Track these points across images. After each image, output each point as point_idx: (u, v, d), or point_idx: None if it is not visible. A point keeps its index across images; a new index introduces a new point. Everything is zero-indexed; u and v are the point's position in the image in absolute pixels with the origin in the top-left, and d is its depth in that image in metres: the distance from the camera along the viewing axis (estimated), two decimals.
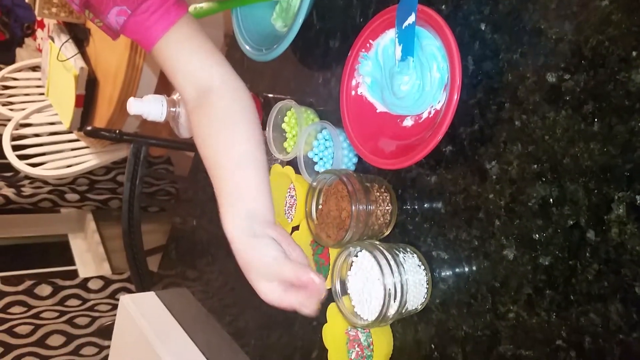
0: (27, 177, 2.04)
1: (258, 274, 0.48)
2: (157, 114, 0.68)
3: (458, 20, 0.53)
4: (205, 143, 0.55)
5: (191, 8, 0.74)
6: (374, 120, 0.57)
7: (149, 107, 0.68)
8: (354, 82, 0.58)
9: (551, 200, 0.43)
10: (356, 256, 0.52)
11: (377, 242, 0.51)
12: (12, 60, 2.45)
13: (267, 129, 0.69)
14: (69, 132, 1.85)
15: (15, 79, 2.10)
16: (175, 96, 0.73)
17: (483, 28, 0.51)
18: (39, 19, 1.98)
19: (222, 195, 0.52)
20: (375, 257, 0.49)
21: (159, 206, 2.22)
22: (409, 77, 0.53)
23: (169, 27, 0.57)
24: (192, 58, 0.57)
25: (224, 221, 0.51)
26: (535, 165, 0.45)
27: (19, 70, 2.14)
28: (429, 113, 0.53)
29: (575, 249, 0.41)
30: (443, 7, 0.55)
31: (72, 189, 2.10)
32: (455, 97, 0.48)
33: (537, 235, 0.44)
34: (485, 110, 0.50)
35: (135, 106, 0.67)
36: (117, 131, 1.23)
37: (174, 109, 0.71)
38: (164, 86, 1.65)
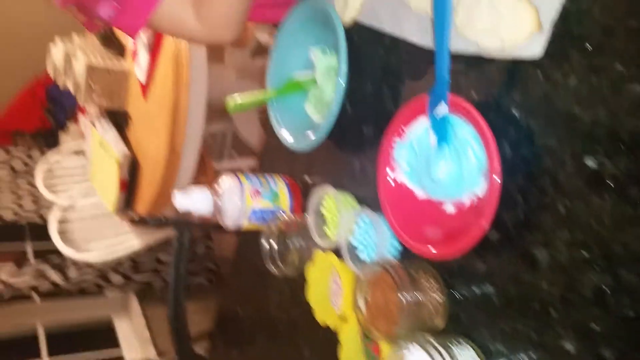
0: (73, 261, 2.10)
1: None
2: (203, 208, 0.70)
3: (489, 105, 0.54)
4: None
5: (229, 103, 0.78)
6: (414, 207, 0.57)
7: (195, 202, 0.70)
8: (390, 170, 0.59)
9: (606, 288, 0.42)
10: (408, 350, 0.51)
11: (429, 335, 0.51)
12: (56, 145, 2.58)
13: (307, 215, 0.70)
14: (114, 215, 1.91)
15: (59, 164, 2.21)
16: (217, 185, 0.75)
17: (516, 113, 0.51)
18: (82, 106, 2.09)
19: None
20: (428, 352, 0.48)
21: (200, 282, 2.24)
22: (445, 163, 0.54)
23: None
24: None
25: None
26: (585, 253, 0.44)
27: (64, 154, 2.24)
28: (471, 200, 0.53)
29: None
30: (472, 92, 0.56)
31: (116, 271, 2.15)
32: (497, 186, 0.48)
33: (596, 326, 0.43)
34: (527, 195, 0.50)
35: (182, 202, 0.69)
36: (163, 217, 1.27)
37: (217, 200, 0.73)
38: (203, 171, 1.71)
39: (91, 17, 0.74)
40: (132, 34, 0.76)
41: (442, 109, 0.53)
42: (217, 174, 2.31)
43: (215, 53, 2.09)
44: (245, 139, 2.32)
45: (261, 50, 2.20)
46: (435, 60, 0.53)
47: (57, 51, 1.78)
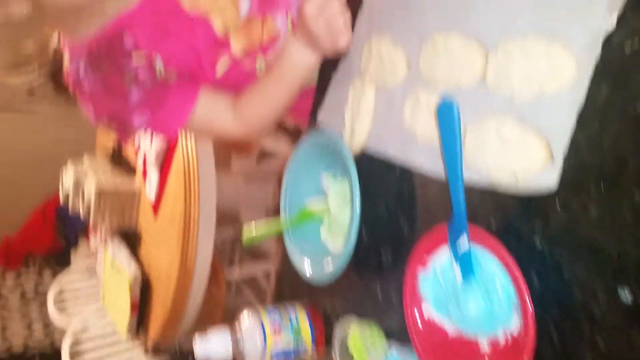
0: None
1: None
2: (223, 353, 0.68)
3: (510, 235, 0.53)
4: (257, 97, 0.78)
5: (245, 235, 0.78)
6: (447, 345, 0.55)
7: (214, 346, 0.68)
8: (417, 306, 0.58)
9: None
10: None
11: None
12: (67, 264, 2.56)
13: (333, 351, 0.68)
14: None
15: (71, 284, 2.18)
16: (237, 324, 0.73)
17: (539, 243, 0.51)
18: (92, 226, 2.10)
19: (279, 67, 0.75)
20: None
21: None
22: (473, 298, 0.53)
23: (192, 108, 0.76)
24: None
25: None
26: None
27: (75, 275, 2.23)
28: (506, 337, 0.51)
29: None
30: (491, 220, 0.56)
31: None
32: (531, 324, 0.46)
33: None
34: (563, 330, 0.48)
35: (201, 349, 0.67)
36: (177, 349, 1.24)
37: (237, 341, 0.70)
38: (215, 281, 1.68)
39: (125, 128, 0.78)
40: (170, 137, 0.79)
41: (464, 242, 0.53)
42: (229, 284, 2.28)
43: (222, 161, 2.13)
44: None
45: (265, 155, 2.26)
46: (450, 194, 0.54)
47: (67, 177, 1.83)
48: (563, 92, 0.48)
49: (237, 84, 0.82)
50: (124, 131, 0.78)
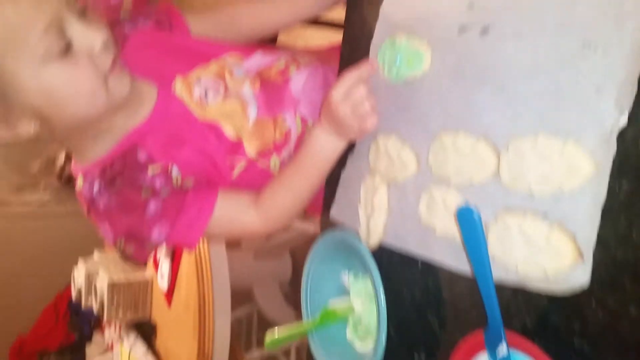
0: None
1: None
2: None
3: (548, 336, 0.51)
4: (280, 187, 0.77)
5: (267, 338, 0.76)
6: None
7: None
8: None
9: None
10: None
11: None
12: (82, 359, 2.50)
13: None
14: None
15: None
16: None
17: (579, 345, 0.49)
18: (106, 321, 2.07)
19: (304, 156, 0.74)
20: None
21: None
22: None
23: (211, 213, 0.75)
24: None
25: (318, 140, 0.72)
26: None
27: None
28: None
29: None
30: (526, 320, 0.54)
31: None
32: None
33: None
34: None
35: None
36: None
37: None
38: None
39: (143, 245, 0.75)
40: (190, 247, 0.77)
41: (503, 349, 0.51)
42: None
43: (232, 241, 2.12)
44: (272, 318, 2.27)
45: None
46: (483, 300, 0.52)
47: (79, 275, 1.82)
48: (583, 189, 0.47)
49: (252, 183, 0.81)
50: (143, 248, 0.76)
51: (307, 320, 0.77)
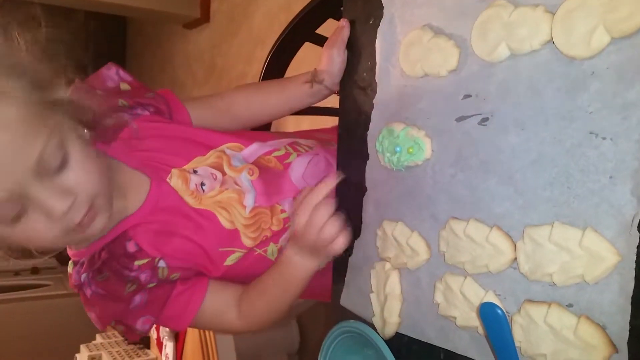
0: None
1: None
2: None
3: None
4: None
5: None
6: None
7: None
8: None
9: None
10: None
11: None
12: None
13: None
14: None
15: None
16: None
17: None
18: None
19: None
20: None
21: None
22: None
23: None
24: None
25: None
26: None
27: None
28: None
29: None
30: None
31: None
32: None
33: None
34: None
35: None
36: None
37: None
38: None
39: (131, 330, 0.75)
40: (177, 330, 0.77)
41: None
42: None
43: None
44: None
45: None
46: None
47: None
48: (608, 280, 0.45)
49: (248, 270, 0.80)
50: (131, 332, 0.76)
51: None
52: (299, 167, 0.83)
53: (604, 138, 0.46)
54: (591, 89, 0.47)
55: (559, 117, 0.49)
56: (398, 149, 0.63)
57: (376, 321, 0.68)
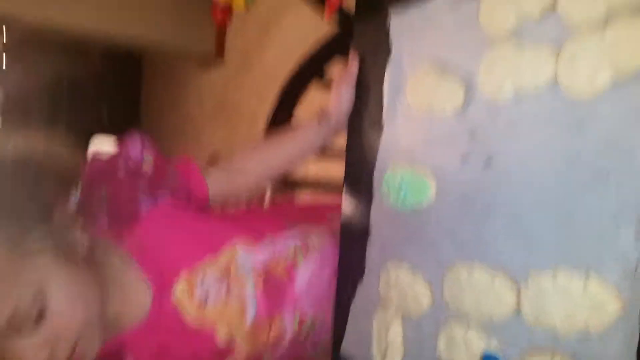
0: None
1: None
2: None
3: None
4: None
5: None
6: None
7: None
8: None
9: None
10: None
11: None
12: None
13: None
14: None
15: None
16: None
17: None
18: None
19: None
20: None
21: None
22: None
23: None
24: None
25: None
26: None
27: None
28: None
29: None
30: None
31: None
32: None
33: None
34: None
35: None
36: None
37: None
38: None
39: None
40: None
41: None
42: None
43: None
44: None
45: None
46: None
47: None
48: (611, 329, 0.45)
49: None
50: None
51: None
52: (304, 276, 0.80)
53: (608, 179, 0.46)
54: (595, 129, 0.47)
55: (563, 159, 0.49)
56: (403, 190, 0.63)
57: None
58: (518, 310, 0.51)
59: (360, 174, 0.73)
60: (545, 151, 0.50)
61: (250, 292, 0.76)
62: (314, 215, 0.94)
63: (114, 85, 5.22)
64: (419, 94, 0.65)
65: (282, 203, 1.02)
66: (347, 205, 0.76)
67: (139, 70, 5.49)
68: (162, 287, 0.72)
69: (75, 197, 0.72)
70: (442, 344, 0.58)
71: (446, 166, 0.60)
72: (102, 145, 0.78)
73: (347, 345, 0.73)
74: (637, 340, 0.43)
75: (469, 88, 0.59)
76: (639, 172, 0.43)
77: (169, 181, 0.78)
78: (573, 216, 0.47)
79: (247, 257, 0.77)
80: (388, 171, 0.66)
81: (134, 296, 0.72)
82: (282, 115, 1.21)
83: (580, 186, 0.47)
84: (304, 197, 1.36)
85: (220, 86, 3.88)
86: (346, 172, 0.77)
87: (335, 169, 0.91)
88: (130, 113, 5.23)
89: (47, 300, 0.59)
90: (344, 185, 0.77)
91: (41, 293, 0.58)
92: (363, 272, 0.71)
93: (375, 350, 0.66)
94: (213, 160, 1.07)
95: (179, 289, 0.72)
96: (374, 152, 0.71)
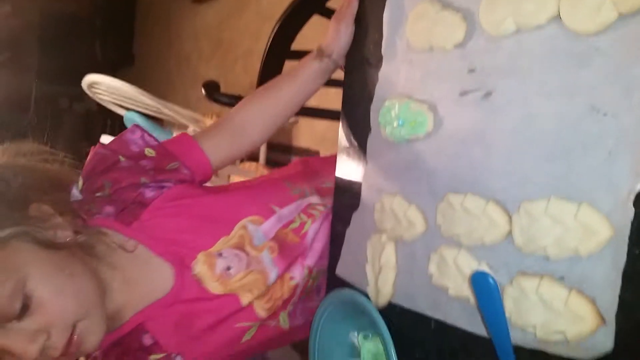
0: None
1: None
2: None
3: None
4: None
5: None
6: None
7: None
8: None
9: None
10: None
11: None
12: None
13: None
14: None
15: None
16: None
17: None
18: None
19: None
20: None
21: None
22: None
23: None
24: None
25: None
26: None
27: None
28: None
29: None
30: None
31: None
32: None
33: None
34: None
35: None
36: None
37: None
38: None
39: None
40: None
41: None
42: None
43: None
44: None
45: None
46: None
47: None
48: (601, 253, 0.46)
49: (262, 342, 0.79)
50: None
51: None
52: (311, 233, 0.82)
53: (605, 114, 0.46)
54: (595, 64, 0.47)
55: (562, 92, 0.49)
56: (400, 122, 0.63)
57: (370, 291, 0.69)
58: (510, 235, 0.52)
59: (357, 107, 0.73)
60: (545, 85, 0.50)
61: (267, 259, 0.77)
62: (313, 173, 0.95)
63: (107, 23, 5.10)
64: (419, 30, 0.64)
65: (281, 167, 1.00)
66: (344, 137, 0.76)
67: (132, 7, 5.34)
68: (182, 264, 0.73)
69: (77, 188, 0.73)
70: (433, 266, 0.60)
71: (444, 100, 0.60)
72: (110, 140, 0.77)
73: (342, 268, 0.76)
74: (624, 262, 0.45)
75: (469, 24, 0.58)
76: (637, 106, 0.44)
77: (171, 172, 0.77)
78: (568, 150, 0.48)
79: (258, 230, 0.78)
80: (385, 104, 0.66)
81: (155, 273, 0.72)
82: (278, 53, 1.19)
83: (577, 120, 0.48)
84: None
85: (215, 24, 3.80)
86: (343, 105, 0.77)
87: (333, 98, 0.91)
88: (124, 52, 5.14)
89: (31, 290, 0.57)
90: (341, 117, 0.77)
91: (21, 282, 0.57)
92: (358, 202, 0.73)
93: (369, 271, 0.69)
94: (211, 87, 1.05)
95: (199, 266, 0.73)
96: (372, 86, 0.71)
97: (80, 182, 0.73)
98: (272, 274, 0.77)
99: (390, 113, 0.65)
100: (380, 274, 0.67)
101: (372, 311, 0.66)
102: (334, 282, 0.77)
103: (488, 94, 0.55)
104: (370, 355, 0.71)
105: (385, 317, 0.66)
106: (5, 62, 4.34)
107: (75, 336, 0.60)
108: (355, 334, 0.74)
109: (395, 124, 0.63)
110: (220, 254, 0.75)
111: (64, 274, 0.61)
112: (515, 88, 0.53)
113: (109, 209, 0.72)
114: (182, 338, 0.72)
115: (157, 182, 0.75)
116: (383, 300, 0.67)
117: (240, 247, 0.76)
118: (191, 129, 2.21)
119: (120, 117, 2.18)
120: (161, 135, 0.80)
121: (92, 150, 0.75)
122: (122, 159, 0.73)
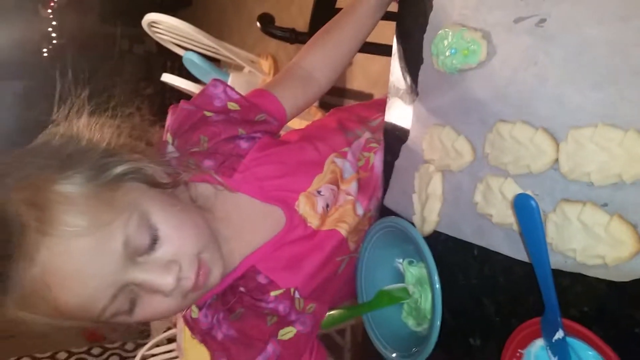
0: None
1: None
2: None
3: (608, 324, 0.51)
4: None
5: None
6: None
7: None
8: None
9: None
10: None
11: None
12: (148, 336, 2.63)
13: None
14: None
15: (154, 355, 2.23)
16: None
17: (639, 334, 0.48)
18: None
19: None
20: None
21: None
22: None
23: None
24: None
25: None
26: None
27: (157, 345, 2.28)
28: None
29: None
30: (585, 308, 0.54)
31: None
32: None
33: None
34: None
35: None
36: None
37: None
38: None
39: None
40: None
41: (559, 335, 0.51)
42: None
43: None
44: None
45: None
46: (540, 288, 0.52)
47: None
48: None
49: (349, 278, 0.83)
50: None
51: (362, 302, 0.79)
52: (378, 164, 0.85)
53: None
54: None
55: (615, 17, 0.49)
56: (453, 51, 0.64)
57: (416, 219, 0.72)
58: (556, 163, 0.53)
59: (410, 38, 0.74)
60: (599, 13, 0.50)
61: (355, 190, 0.81)
62: (356, 116, 0.95)
63: None
64: None
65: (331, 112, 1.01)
66: (397, 71, 0.77)
67: None
68: (288, 206, 0.77)
69: (170, 145, 0.75)
70: (479, 195, 0.62)
71: (498, 27, 0.60)
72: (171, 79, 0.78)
73: (390, 197, 0.79)
74: None
75: None
76: None
77: (259, 124, 0.79)
78: (620, 77, 0.48)
79: (345, 162, 0.82)
80: (439, 34, 0.67)
81: (264, 217, 0.76)
82: None
83: (630, 45, 0.47)
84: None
85: None
86: (397, 36, 0.77)
87: (385, 32, 0.91)
88: None
89: (155, 223, 0.61)
90: (394, 50, 0.78)
91: (145, 216, 0.61)
92: (407, 135, 0.74)
93: (415, 201, 0.71)
94: (265, 20, 1.06)
95: (302, 207, 0.77)
96: (426, 15, 0.71)
97: (170, 139, 0.75)
98: (359, 207, 0.81)
99: (442, 42, 0.65)
100: (427, 203, 0.69)
101: (417, 238, 0.69)
102: (383, 212, 0.80)
103: (542, 21, 0.55)
104: (414, 279, 0.75)
105: (430, 244, 0.69)
106: (70, 2, 4.47)
107: (203, 267, 0.64)
108: (401, 260, 0.77)
109: (447, 53, 0.64)
110: (319, 192, 0.78)
111: (177, 209, 0.66)
112: (569, 14, 0.52)
113: (209, 162, 0.75)
114: (293, 275, 0.76)
115: (249, 134, 0.78)
116: (428, 229, 0.70)
117: (334, 182, 0.80)
118: (247, 70, 2.24)
119: (179, 59, 2.24)
120: (219, 76, 0.83)
121: (172, 108, 0.77)
122: (207, 114, 0.76)
